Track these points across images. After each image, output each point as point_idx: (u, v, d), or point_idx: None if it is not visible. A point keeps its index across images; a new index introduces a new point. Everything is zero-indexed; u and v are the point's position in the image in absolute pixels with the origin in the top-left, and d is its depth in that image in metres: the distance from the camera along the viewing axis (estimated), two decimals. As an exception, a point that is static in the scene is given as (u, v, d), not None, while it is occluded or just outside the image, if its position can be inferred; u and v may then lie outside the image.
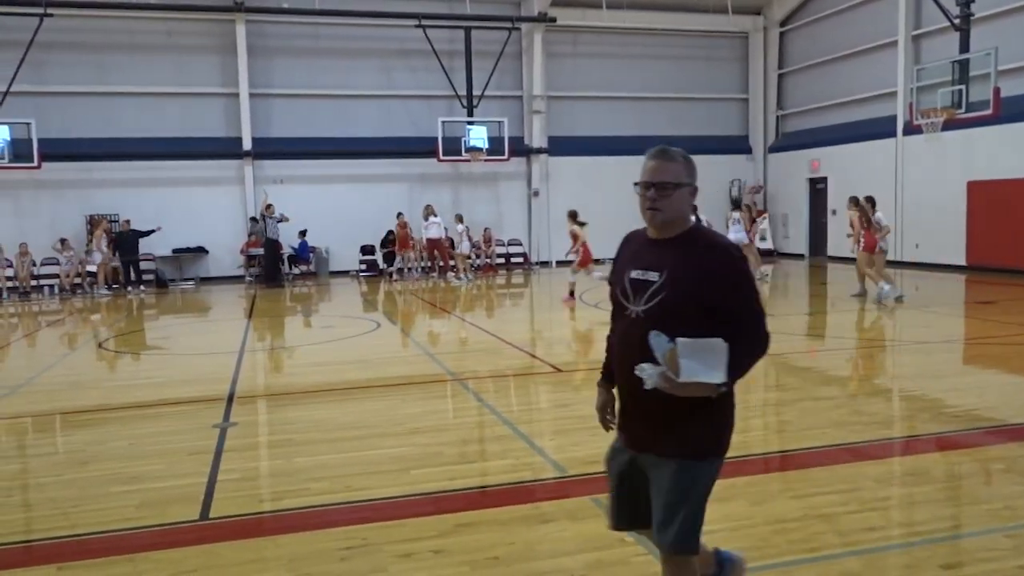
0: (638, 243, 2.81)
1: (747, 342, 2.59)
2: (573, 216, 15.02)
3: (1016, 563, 3.70)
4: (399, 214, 21.55)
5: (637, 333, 2.59)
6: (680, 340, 2.44)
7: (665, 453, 2.67)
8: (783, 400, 7.28)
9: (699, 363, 2.43)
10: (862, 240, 13.70)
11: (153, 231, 19.85)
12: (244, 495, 4.94)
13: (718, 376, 2.46)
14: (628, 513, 2.88)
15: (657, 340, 2.48)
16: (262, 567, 3.90)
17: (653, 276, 2.64)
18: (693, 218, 2.76)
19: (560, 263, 21.84)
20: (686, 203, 2.70)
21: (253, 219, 21.26)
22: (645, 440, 2.73)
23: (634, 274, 2.70)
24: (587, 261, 14.61)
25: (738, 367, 2.55)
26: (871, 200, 13.85)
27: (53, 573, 3.90)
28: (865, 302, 13.55)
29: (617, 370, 2.81)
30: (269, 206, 20.15)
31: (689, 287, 2.58)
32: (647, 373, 2.49)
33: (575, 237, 14.73)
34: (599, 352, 10.31)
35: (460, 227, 20.80)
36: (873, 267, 13.62)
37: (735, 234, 17.57)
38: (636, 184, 2.70)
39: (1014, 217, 17.18)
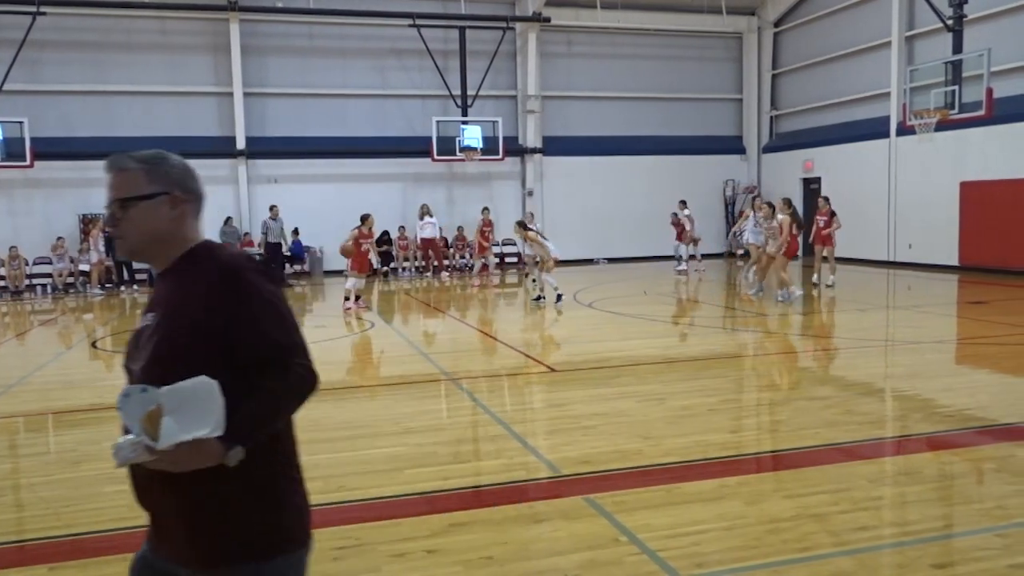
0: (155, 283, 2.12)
1: (269, 382, 1.88)
2: (523, 225, 14.62)
3: (1007, 562, 3.72)
4: (485, 208, 21.60)
5: None
6: (163, 390, 1.75)
7: (197, 563, 1.88)
8: (776, 400, 7.30)
9: (185, 418, 1.75)
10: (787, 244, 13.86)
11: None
12: (237, 495, 4.92)
13: (204, 427, 1.75)
14: None
15: (133, 399, 1.77)
16: (255, 567, 3.89)
17: (150, 319, 1.98)
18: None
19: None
20: (160, 220, 1.97)
21: (228, 219, 20.93)
22: (171, 547, 1.92)
23: (141, 323, 2.02)
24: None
25: (252, 416, 1.83)
26: (772, 205, 14.40)
27: (45, 573, 3.89)
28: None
29: None
30: (272, 207, 20.10)
31: (184, 323, 1.88)
32: (118, 446, 1.77)
33: (536, 242, 14.02)
34: (595, 352, 10.28)
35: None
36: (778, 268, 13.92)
37: (754, 235, 16.38)
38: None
39: (1006, 217, 17.24)
